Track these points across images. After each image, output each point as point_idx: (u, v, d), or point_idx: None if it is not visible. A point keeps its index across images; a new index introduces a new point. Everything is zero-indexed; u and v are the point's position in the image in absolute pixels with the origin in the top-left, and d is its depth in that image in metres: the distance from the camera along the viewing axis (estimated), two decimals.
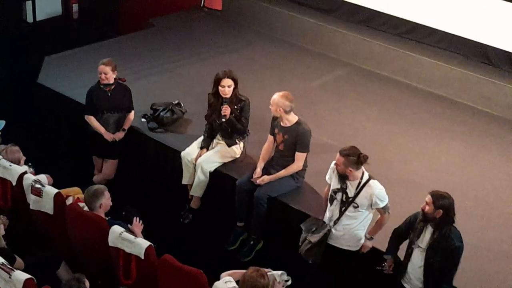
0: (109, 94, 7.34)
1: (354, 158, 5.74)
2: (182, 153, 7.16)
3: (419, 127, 8.24)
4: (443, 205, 5.34)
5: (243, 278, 4.94)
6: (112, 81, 7.30)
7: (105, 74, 7.22)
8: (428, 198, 5.39)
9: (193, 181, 7.09)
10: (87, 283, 5.07)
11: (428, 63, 9.06)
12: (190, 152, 7.14)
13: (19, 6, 10.80)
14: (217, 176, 7.08)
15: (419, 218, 5.51)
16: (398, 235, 5.76)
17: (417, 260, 5.51)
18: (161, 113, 7.71)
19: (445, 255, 5.36)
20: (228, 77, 6.90)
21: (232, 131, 7.06)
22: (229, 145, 7.12)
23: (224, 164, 7.13)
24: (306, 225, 6.18)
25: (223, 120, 6.95)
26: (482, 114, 8.57)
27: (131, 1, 11.45)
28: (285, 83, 8.73)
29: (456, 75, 8.86)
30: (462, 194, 6.79)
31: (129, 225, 5.99)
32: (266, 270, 5.04)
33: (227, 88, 6.91)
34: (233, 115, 6.98)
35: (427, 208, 5.39)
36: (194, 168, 7.07)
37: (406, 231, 5.66)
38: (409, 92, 9.03)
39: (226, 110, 6.92)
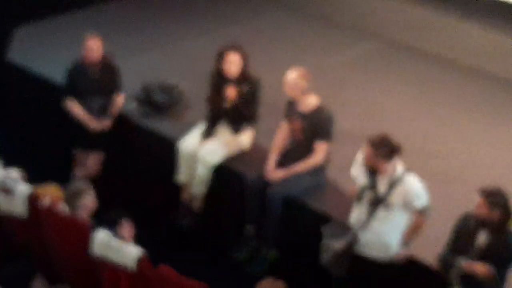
0: (94, 74, 7.35)
1: (386, 148, 5.74)
2: (180, 144, 7.16)
3: (466, 113, 8.21)
4: (499, 203, 5.34)
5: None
6: (98, 58, 7.30)
7: (96, 49, 7.22)
8: (480, 199, 5.37)
9: (191, 179, 7.10)
10: None
11: (478, 34, 8.98)
12: (190, 143, 7.15)
13: None
14: (222, 171, 7.09)
15: (469, 223, 5.47)
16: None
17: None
18: (155, 96, 7.72)
19: (501, 263, 5.36)
20: (234, 51, 6.89)
21: (239, 117, 7.07)
22: (235, 134, 7.13)
23: (230, 157, 7.13)
24: (328, 229, 6.19)
25: (227, 103, 6.94)
26: None
27: None
28: (301, 60, 8.66)
29: (510, 48, 8.77)
30: None
31: (117, 230, 6.00)
32: None
33: (232, 65, 6.90)
34: (240, 98, 6.97)
35: (480, 211, 5.37)
36: (194, 162, 7.07)
37: (456, 246, 5.61)
38: (454, 70, 8.98)
39: (231, 91, 6.92)
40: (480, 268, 5.39)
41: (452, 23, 9.14)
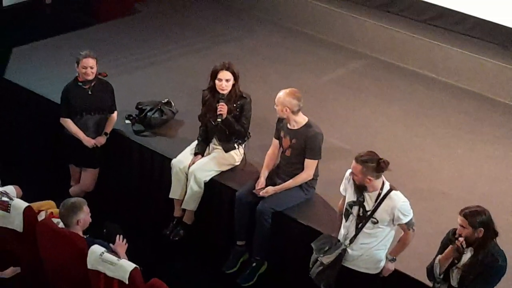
0: (89, 92, 7.34)
1: (373, 164, 5.74)
2: (173, 161, 7.16)
3: (448, 129, 8.25)
4: (482, 222, 5.33)
5: None
6: (93, 76, 7.31)
7: (91, 68, 7.22)
8: (461, 220, 5.36)
9: (183, 195, 7.11)
10: None
11: (458, 54, 9.07)
12: (183, 159, 7.14)
13: None
14: (213, 186, 7.09)
15: (455, 238, 5.48)
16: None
17: (453, 282, 5.52)
18: (148, 114, 7.72)
19: (484, 272, 5.35)
20: (227, 70, 6.92)
21: (230, 133, 7.07)
22: (227, 151, 7.13)
23: (222, 172, 7.14)
24: (318, 244, 6.18)
25: (219, 120, 6.95)
26: None
27: None
28: (292, 78, 8.75)
29: (491, 68, 8.87)
30: (501, 208, 6.79)
31: (111, 245, 5.98)
32: None
33: (224, 82, 6.93)
34: (232, 114, 6.99)
35: (464, 232, 5.36)
36: (186, 179, 7.08)
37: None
38: (437, 88, 9.05)
39: (222, 108, 6.92)
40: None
41: (434, 44, 9.21)
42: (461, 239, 5.37)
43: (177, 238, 7.26)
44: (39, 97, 8.23)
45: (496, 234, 5.43)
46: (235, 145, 7.16)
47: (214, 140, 7.19)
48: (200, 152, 7.14)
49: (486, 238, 5.37)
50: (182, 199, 7.16)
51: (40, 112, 8.22)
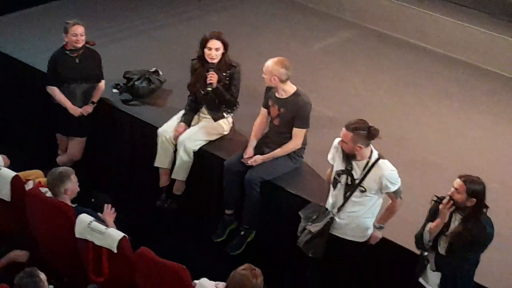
0: (77, 61, 7.34)
1: (364, 132, 5.74)
2: (159, 130, 7.17)
3: (438, 99, 8.28)
4: (477, 192, 5.35)
5: (233, 273, 4.99)
6: (83, 44, 7.30)
7: (81, 35, 7.21)
8: (459, 184, 5.36)
9: (170, 164, 7.13)
10: (42, 276, 5.07)
11: (449, 23, 9.08)
12: (169, 129, 7.16)
13: None
14: (202, 156, 7.11)
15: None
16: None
17: (441, 250, 5.57)
18: (136, 83, 7.71)
19: (472, 240, 5.39)
20: (216, 39, 6.92)
21: (220, 102, 7.09)
22: (216, 120, 7.15)
23: (210, 142, 7.16)
24: (306, 212, 6.24)
25: (209, 89, 6.96)
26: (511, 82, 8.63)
27: None
28: (282, 48, 8.73)
29: (481, 37, 8.88)
30: (489, 175, 6.78)
31: (99, 214, 6.02)
32: None
33: (214, 51, 6.92)
34: (221, 83, 7.00)
35: (457, 196, 5.37)
36: (173, 148, 7.10)
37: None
38: (427, 57, 9.07)
39: (212, 77, 6.93)
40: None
41: (425, 13, 9.21)
42: (445, 201, 5.40)
43: (167, 207, 7.29)
44: (26, 66, 8.20)
45: (486, 207, 5.46)
46: (224, 114, 7.18)
47: (203, 110, 7.20)
48: (186, 121, 7.15)
49: (476, 208, 5.40)
50: (169, 169, 7.19)
51: (27, 81, 8.20)
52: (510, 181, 7.09)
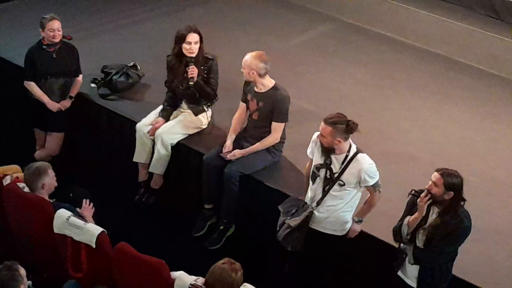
0: (54, 56, 7.30)
1: (343, 126, 5.75)
2: (138, 125, 7.16)
3: (416, 92, 8.33)
4: (454, 185, 5.37)
5: (213, 268, 5.00)
6: (60, 39, 7.27)
7: (58, 30, 7.18)
8: (436, 177, 5.38)
9: (149, 159, 7.13)
10: (22, 271, 5.05)
11: (426, 17, 9.14)
12: (147, 123, 7.15)
13: None
14: (180, 150, 7.11)
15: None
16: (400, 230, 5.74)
17: (419, 243, 5.59)
18: (114, 77, 7.70)
19: (450, 233, 5.43)
20: (194, 32, 6.90)
21: (201, 96, 7.07)
22: (196, 114, 7.14)
23: (189, 136, 7.16)
24: (285, 206, 6.24)
25: (191, 83, 6.94)
26: (488, 76, 8.69)
27: None
28: (260, 42, 8.75)
29: (458, 30, 8.95)
30: (466, 169, 6.84)
31: (77, 209, 6.01)
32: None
33: (194, 45, 6.90)
34: (200, 77, 6.99)
35: (435, 189, 5.39)
36: (151, 143, 7.09)
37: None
38: (405, 50, 9.10)
39: (194, 71, 6.91)
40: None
41: (402, 6, 9.25)
42: (422, 195, 5.44)
43: (146, 202, 7.28)
44: (2, 60, 8.15)
45: (463, 200, 5.49)
46: (205, 107, 7.18)
47: (183, 105, 7.19)
48: (164, 116, 7.14)
49: (453, 202, 5.43)
50: (147, 164, 7.19)
51: (4, 75, 8.15)
52: (487, 174, 7.14)
